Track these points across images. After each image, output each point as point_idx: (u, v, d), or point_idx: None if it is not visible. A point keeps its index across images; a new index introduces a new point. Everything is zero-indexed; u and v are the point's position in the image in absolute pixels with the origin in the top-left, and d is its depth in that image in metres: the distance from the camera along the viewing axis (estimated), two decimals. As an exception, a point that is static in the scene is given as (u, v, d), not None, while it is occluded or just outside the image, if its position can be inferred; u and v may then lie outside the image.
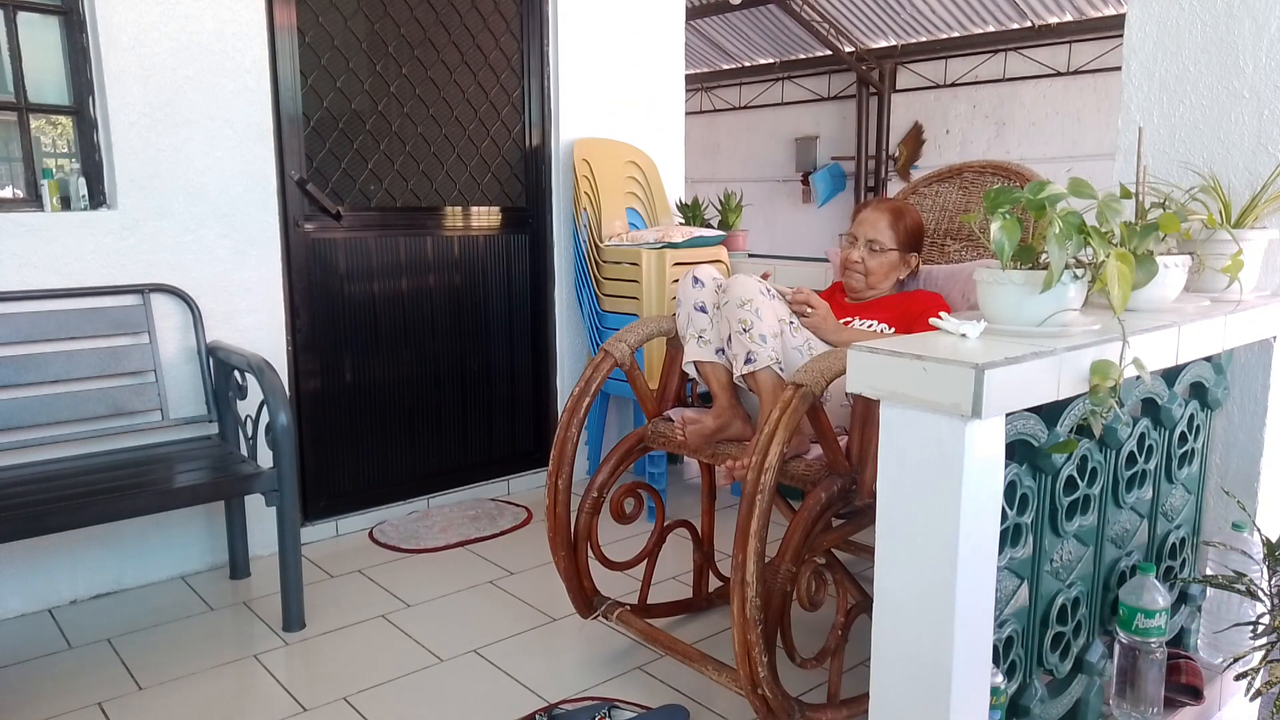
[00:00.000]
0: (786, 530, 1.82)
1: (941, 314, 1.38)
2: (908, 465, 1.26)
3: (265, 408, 2.49)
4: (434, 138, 3.38)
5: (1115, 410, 1.37)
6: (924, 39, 8.85)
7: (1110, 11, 7.54)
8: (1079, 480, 1.54)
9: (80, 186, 2.65)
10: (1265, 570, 1.78)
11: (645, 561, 2.43)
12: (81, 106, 2.66)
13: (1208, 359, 1.79)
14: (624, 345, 2.24)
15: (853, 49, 9.25)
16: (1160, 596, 1.62)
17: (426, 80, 3.33)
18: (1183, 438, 1.83)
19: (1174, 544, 1.88)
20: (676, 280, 3.27)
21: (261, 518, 2.90)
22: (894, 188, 9.35)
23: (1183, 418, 1.78)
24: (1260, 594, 1.77)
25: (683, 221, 3.80)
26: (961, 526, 1.21)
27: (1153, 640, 1.62)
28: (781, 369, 2.04)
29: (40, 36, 2.62)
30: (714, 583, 2.61)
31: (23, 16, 2.57)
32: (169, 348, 2.75)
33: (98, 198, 2.68)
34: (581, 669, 2.32)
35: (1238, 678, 1.70)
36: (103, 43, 2.58)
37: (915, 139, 9.29)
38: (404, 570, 2.93)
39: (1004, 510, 1.37)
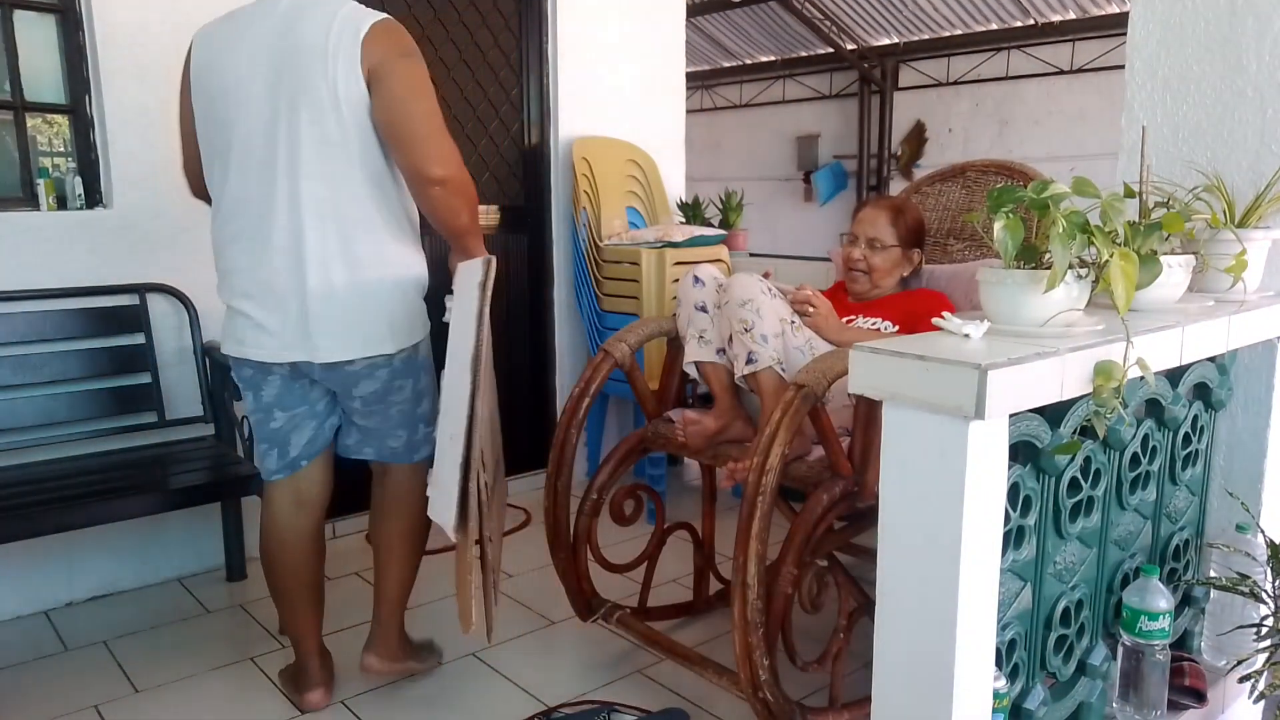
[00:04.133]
0: (788, 532, 1.80)
1: (944, 314, 1.36)
2: (910, 467, 1.25)
3: (263, 408, 2.47)
4: (433, 137, 3.36)
5: (1119, 411, 1.35)
6: (926, 36, 8.84)
7: (1113, 9, 7.52)
8: (1082, 482, 1.52)
9: (76, 186, 2.64)
10: (1269, 572, 1.77)
11: (645, 564, 2.42)
12: (78, 105, 2.64)
13: (1212, 360, 1.78)
14: (624, 345, 2.23)
15: (855, 46, 9.24)
16: (1164, 599, 1.61)
17: (425, 79, 3.31)
18: (1186, 439, 1.81)
19: (1177, 546, 1.87)
20: (677, 280, 3.25)
21: (258, 519, 2.88)
22: (896, 186, 9.33)
23: (1186, 419, 1.77)
24: (1264, 596, 1.75)
25: (683, 221, 3.78)
26: (964, 529, 1.20)
27: (1156, 643, 1.61)
28: (783, 369, 2.02)
29: (36, 35, 2.61)
30: (714, 585, 2.60)
31: (19, 15, 2.55)
32: (165, 348, 2.73)
33: (94, 197, 2.67)
34: (581, 672, 2.31)
35: (1241, 680, 1.69)
36: (99, 41, 2.57)
37: (917, 137, 9.27)
38: (403, 571, 2.92)
39: (1007, 512, 1.35)
